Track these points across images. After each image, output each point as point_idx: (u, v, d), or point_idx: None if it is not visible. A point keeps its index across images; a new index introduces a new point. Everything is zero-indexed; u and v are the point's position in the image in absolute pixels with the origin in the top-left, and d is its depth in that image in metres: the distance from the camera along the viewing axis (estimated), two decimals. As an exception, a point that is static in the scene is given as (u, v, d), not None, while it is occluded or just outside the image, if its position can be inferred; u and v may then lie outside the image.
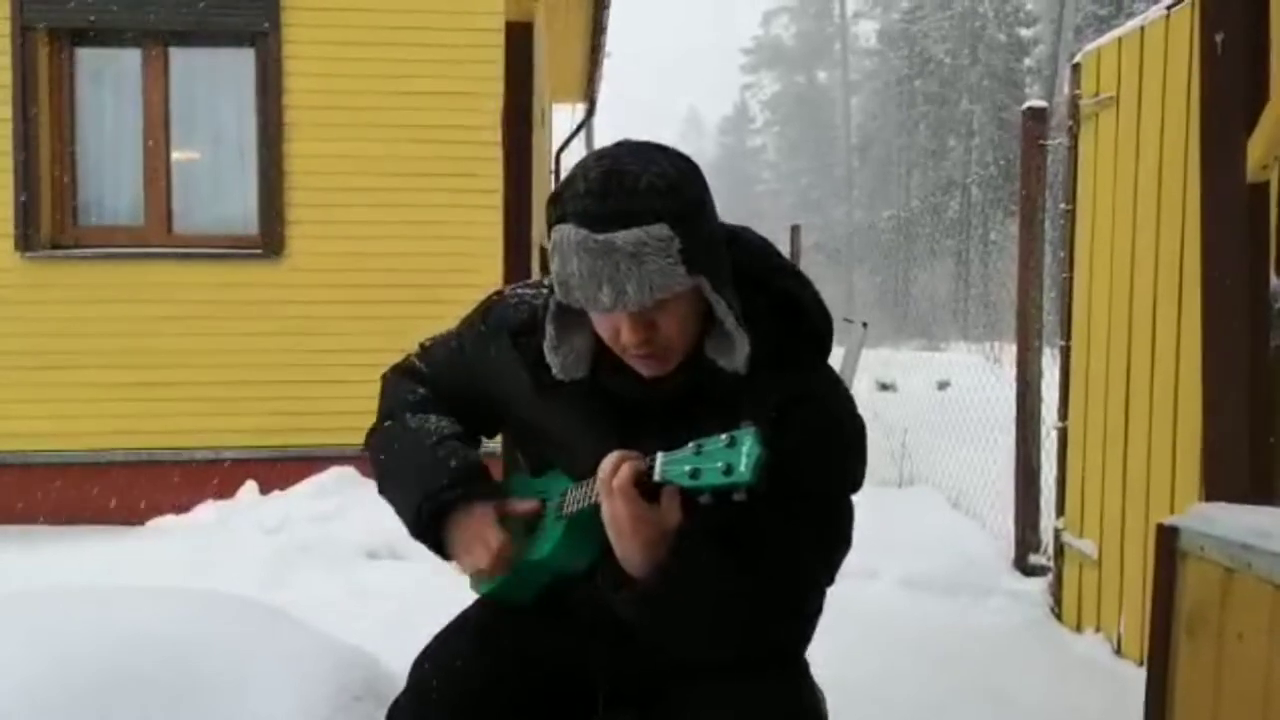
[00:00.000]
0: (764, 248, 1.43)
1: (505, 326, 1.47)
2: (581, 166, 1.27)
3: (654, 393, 1.35)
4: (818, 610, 1.42)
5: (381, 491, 1.55)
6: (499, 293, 1.56)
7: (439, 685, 1.42)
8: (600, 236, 1.20)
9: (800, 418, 1.33)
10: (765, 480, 1.16)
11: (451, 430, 1.52)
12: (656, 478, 1.23)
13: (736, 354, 1.31)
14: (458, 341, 1.57)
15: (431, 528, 1.45)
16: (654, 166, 1.24)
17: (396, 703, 1.44)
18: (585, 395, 1.39)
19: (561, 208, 1.25)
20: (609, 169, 1.23)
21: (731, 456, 1.15)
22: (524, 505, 1.48)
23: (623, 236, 1.20)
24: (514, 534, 1.46)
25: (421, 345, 1.64)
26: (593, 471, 1.30)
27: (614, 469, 1.25)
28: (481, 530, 1.43)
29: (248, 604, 2.42)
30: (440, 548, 1.47)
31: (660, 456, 1.24)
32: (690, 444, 1.21)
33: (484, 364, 1.51)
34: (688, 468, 1.19)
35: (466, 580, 1.62)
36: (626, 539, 1.26)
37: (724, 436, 1.17)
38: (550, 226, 1.26)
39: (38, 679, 1.86)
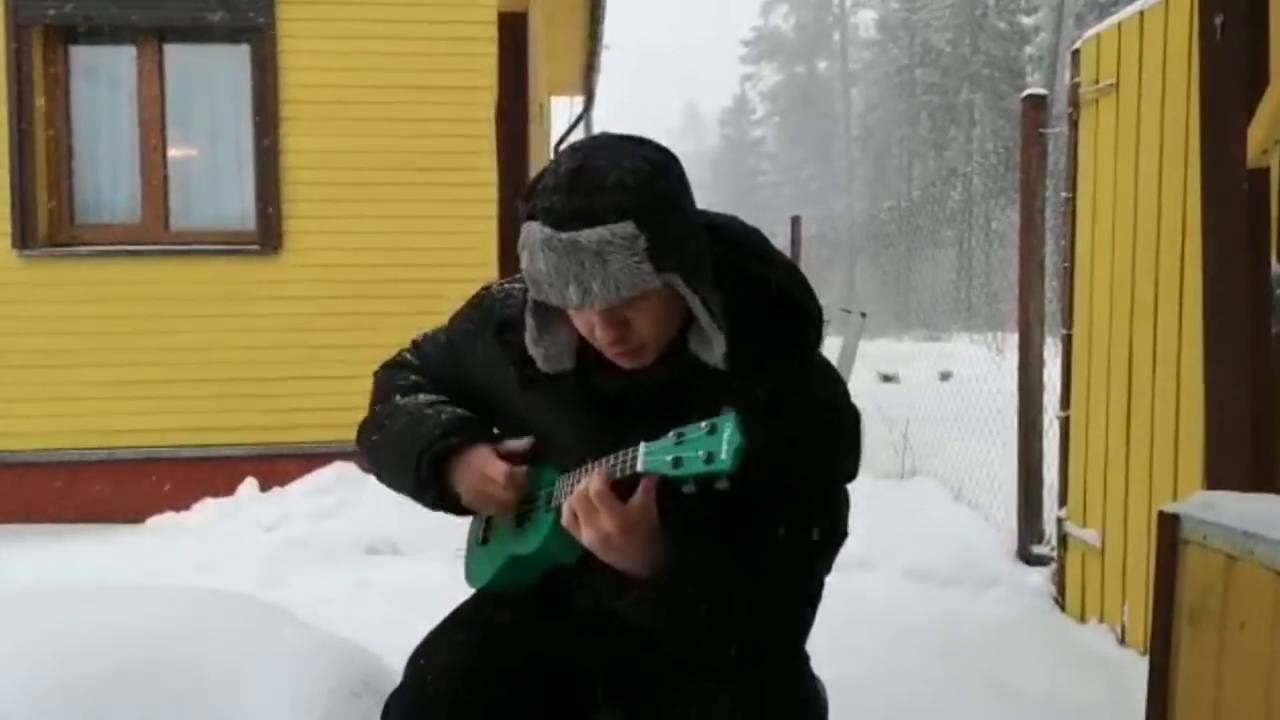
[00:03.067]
0: (750, 237, 1.41)
1: (491, 322, 1.47)
2: (554, 162, 1.25)
3: (638, 385, 1.34)
4: (816, 600, 1.41)
5: (378, 472, 1.56)
6: (487, 288, 1.56)
7: (434, 681, 1.41)
8: (564, 235, 1.19)
9: (792, 407, 1.32)
10: (755, 468, 1.15)
11: (440, 398, 1.52)
12: (639, 468, 1.22)
13: (714, 351, 1.30)
14: (447, 338, 1.58)
15: (433, 482, 1.45)
16: (625, 162, 1.22)
17: (392, 698, 1.43)
18: (570, 389, 1.39)
19: (531, 204, 1.24)
20: (578, 165, 1.22)
21: (712, 444, 1.14)
22: (520, 443, 1.47)
23: (586, 235, 1.18)
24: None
25: (414, 341, 1.65)
26: (580, 464, 1.30)
27: (584, 492, 1.24)
28: (486, 465, 1.43)
29: (247, 601, 2.42)
30: (449, 503, 1.48)
31: (643, 446, 1.23)
32: (672, 433, 1.20)
33: (472, 360, 1.52)
34: (669, 457, 1.18)
35: (463, 574, 1.62)
36: (617, 549, 1.25)
37: (704, 424, 1.16)
38: (521, 222, 1.25)
39: (38, 678, 1.86)
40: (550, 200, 1.21)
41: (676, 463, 1.17)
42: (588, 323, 1.28)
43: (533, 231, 1.22)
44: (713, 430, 1.15)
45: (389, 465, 1.52)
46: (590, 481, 1.24)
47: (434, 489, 1.46)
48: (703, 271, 1.28)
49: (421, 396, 1.54)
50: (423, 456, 1.44)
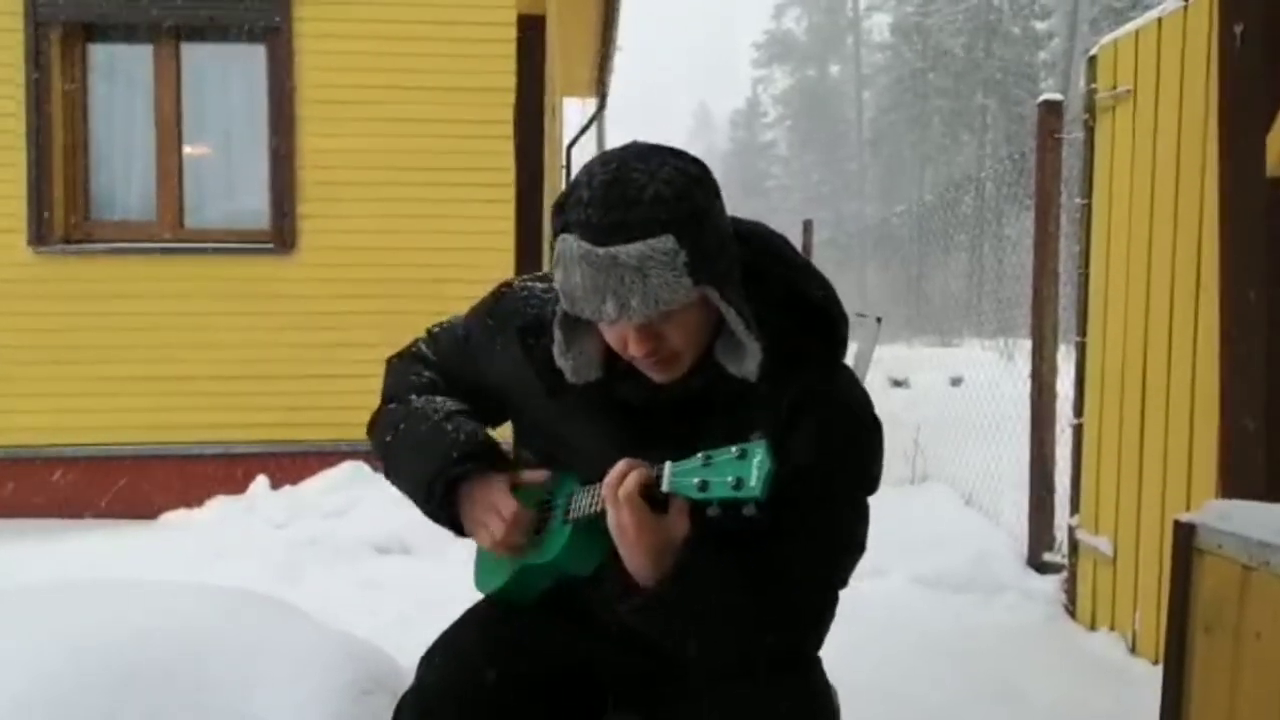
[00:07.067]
0: (776, 244, 1.41)
1: (513, 322, 1.45)
2: (587, 172, 1.24)
3: (663, 396, 1.33)
4: (830, 613, 1.41)
5: (388, 472, 1.54)
6: (508, 283, 1.54)
7: (446, 680, 1.41)
8: (602, 250, 1.18)
9: (814, 418, 1.31)
10: (778, 484, 1.14)
11: (457, 407, 1.50)
12: (664, 488, 1.22)
13: (746, 361, 1.29)
14: (464, 330, 1.56)
15: (444, 504, 1.44)
16: (661, 173, 1.21)
17: (405, 698, 1.43)
18: (595, 399, 1.38)
19: (565, 217, 1.22)
20: (613, 178, 1.20)
21: (742, 470, 1.14)
22: (536, 475, 1.46)
23: (626, 250, 1.17)
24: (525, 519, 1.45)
25: (429, 331, 1.63)
26: (601, 475, 1.29)
27: (620, 477, 1.24)
28: (495, 500, 1.41)
29: (258, 598, 2.42)
30: (454, 523, 1.46)
31: (668, 466, 1.23)
32: (699, 455, 1.19)
33: (489, 356, 1.50)
34: (696, 480, 1.18)
35: (474, 577, 1.61)
36: (632, 547, 1.25)
37: (734, 449, 1.16)
38: (555, 234, 1.24)
39: (51, 673, 1.86)
40: (586, 214, 1.19)
41: (703, 486, 1.17)
42: (620, 336, 1.26)
43: (569, 245, 1.20)
44: (743, 455, 1.15)
45: (400, 474, 1.50)
46: (630, 476, 1.24)
47: (445, 514, 1.45)
48: (736, 282, 1.28)
49: (437, 400, 1.51)
50: (437, 479, 1.41)
